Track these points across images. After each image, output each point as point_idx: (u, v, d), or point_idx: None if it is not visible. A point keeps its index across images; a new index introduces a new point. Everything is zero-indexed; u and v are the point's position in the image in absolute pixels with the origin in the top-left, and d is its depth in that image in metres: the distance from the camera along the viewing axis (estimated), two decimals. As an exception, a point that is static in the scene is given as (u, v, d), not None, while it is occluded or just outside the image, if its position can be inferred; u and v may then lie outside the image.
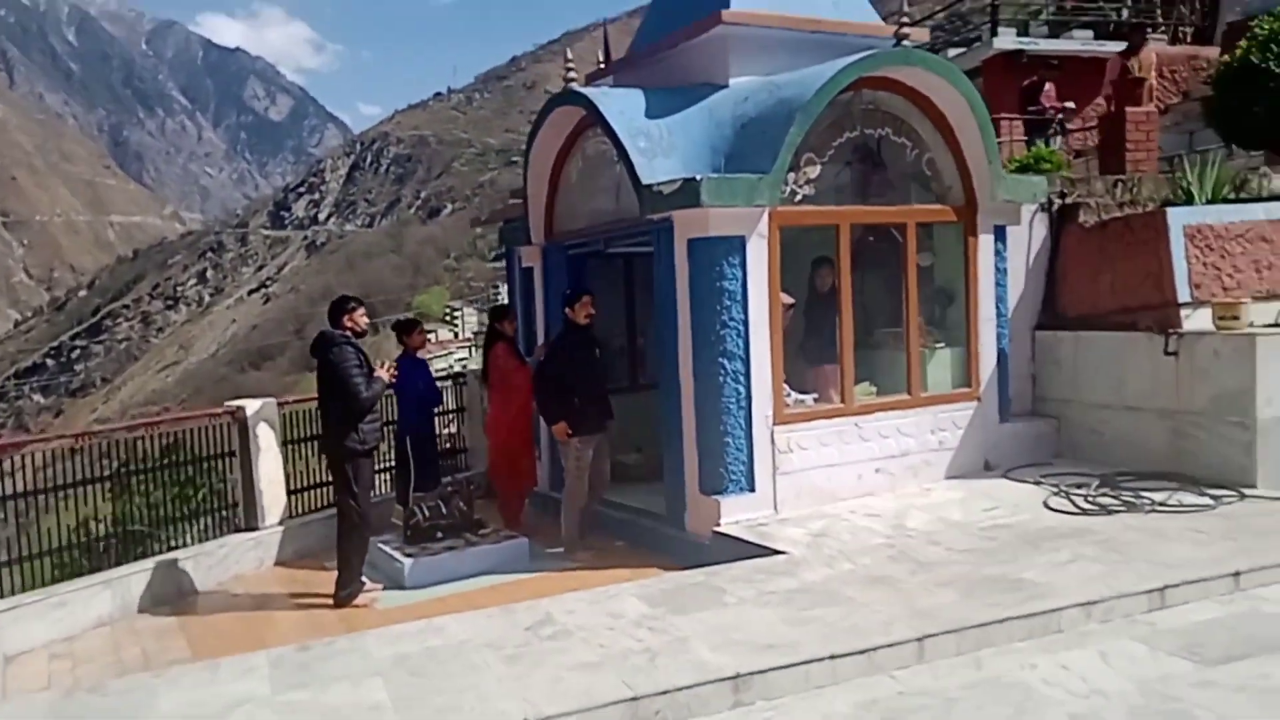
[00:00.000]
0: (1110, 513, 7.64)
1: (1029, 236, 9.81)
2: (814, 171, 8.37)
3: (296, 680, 5.41)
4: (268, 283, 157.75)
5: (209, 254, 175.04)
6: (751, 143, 8.14)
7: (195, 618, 7.78)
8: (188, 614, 7.88)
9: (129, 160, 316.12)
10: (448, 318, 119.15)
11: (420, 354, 9.58)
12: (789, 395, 8.36)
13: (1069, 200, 9.79)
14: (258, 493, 9.21)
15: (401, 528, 8.88)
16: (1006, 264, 9.33)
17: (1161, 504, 7.71)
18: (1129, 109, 11.34)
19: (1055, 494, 8.22)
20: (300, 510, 9.76)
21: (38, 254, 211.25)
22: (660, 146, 8.42)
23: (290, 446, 9.72)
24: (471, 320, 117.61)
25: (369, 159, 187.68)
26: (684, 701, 5.01)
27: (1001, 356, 9.32)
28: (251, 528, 9.20)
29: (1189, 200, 9.21)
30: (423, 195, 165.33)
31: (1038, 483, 8.64)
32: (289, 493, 9.58)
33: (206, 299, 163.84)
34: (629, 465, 10.36)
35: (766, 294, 8.12)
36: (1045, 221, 9.89)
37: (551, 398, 8.61)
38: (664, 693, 4.99)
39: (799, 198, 8.30)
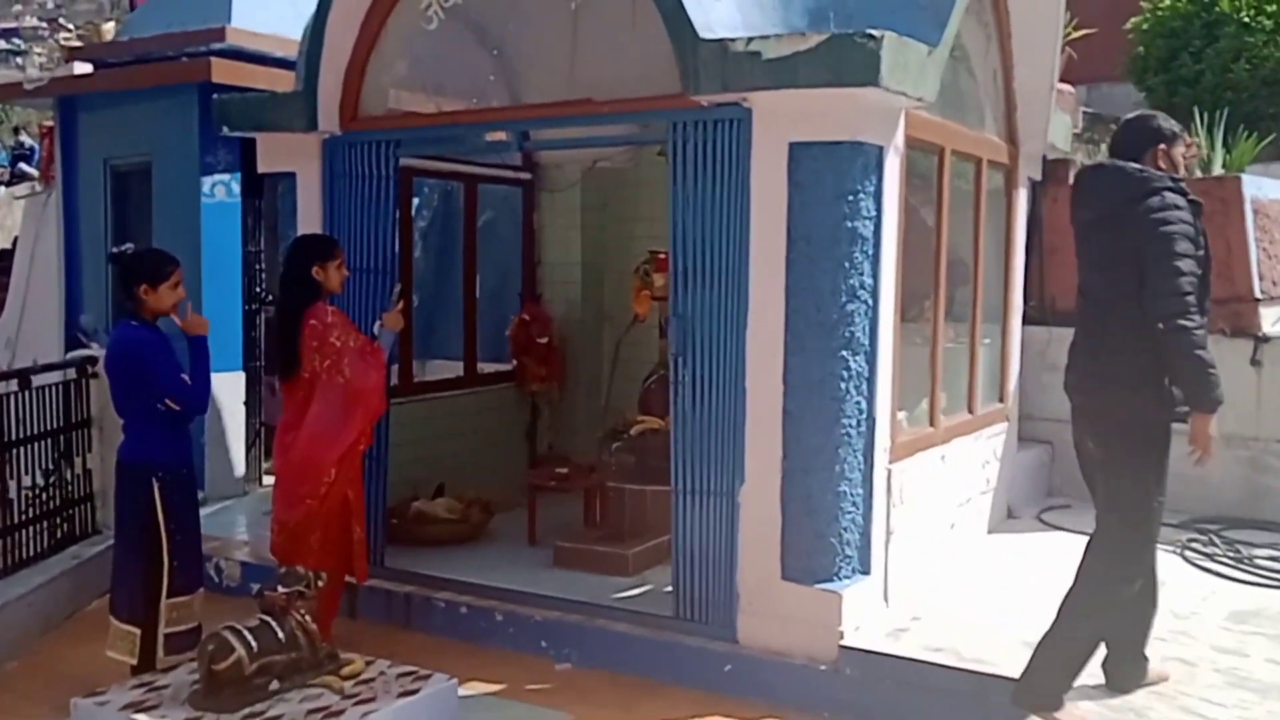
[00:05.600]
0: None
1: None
2: (933, 60, 5.28)
3: None
4: None
5: None
6: (886, -4, 4.84)
7: None
8: None
9: None
10: None
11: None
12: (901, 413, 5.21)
13: (1054, 156, 7.54)
14: None
15: (194, 673, 4.39)
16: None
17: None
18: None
19: (1179, 554, 5.95)
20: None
21: None
22: (702, -20, 4.84)
23: None
24: None
25: None
26: None
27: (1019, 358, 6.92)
28: None
29: (1204, 170, 7.42)
30: None
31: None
32: None
33: None
34: (436, 518, 6.40)
35: (895, 245, 4.91)
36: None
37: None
38: None
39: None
